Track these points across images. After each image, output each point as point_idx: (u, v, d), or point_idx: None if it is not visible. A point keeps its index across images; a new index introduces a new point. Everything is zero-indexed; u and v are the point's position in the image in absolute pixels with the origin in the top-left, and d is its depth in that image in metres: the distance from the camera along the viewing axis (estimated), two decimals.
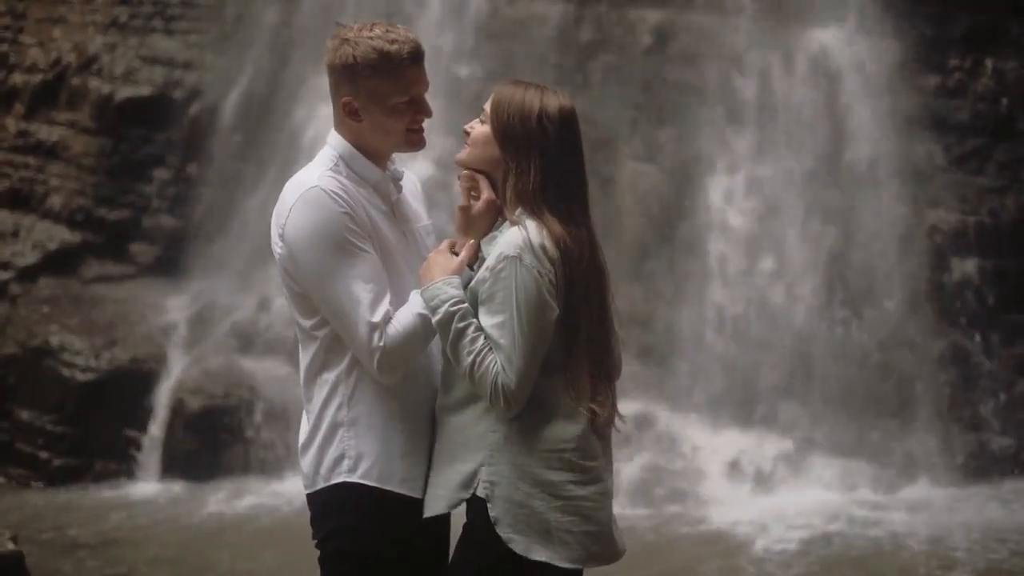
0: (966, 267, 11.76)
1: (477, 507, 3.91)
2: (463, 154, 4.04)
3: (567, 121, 3.95)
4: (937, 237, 11.79)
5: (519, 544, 3.88)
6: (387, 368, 3.94)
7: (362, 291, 3.91)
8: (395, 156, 4.17)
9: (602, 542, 3.97)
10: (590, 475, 3.92)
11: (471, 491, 3.89)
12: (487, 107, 3.99)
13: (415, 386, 4.04)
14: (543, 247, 3.85)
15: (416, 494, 4.01)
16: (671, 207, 12.05)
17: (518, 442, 3.88)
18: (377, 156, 4.09)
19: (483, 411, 3.91)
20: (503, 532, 3.87)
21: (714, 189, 11.99)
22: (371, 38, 3.96)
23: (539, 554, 3.88)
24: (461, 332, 3.86)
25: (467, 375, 3.87)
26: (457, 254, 3.98)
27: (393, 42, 3.96)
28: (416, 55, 4.00)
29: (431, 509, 3.98)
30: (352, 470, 3.99)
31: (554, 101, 3.95)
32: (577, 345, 3.90)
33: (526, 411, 3.88)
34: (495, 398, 3.84)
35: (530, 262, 3.83)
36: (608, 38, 12.40)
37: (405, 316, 3.95)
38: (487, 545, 3.89)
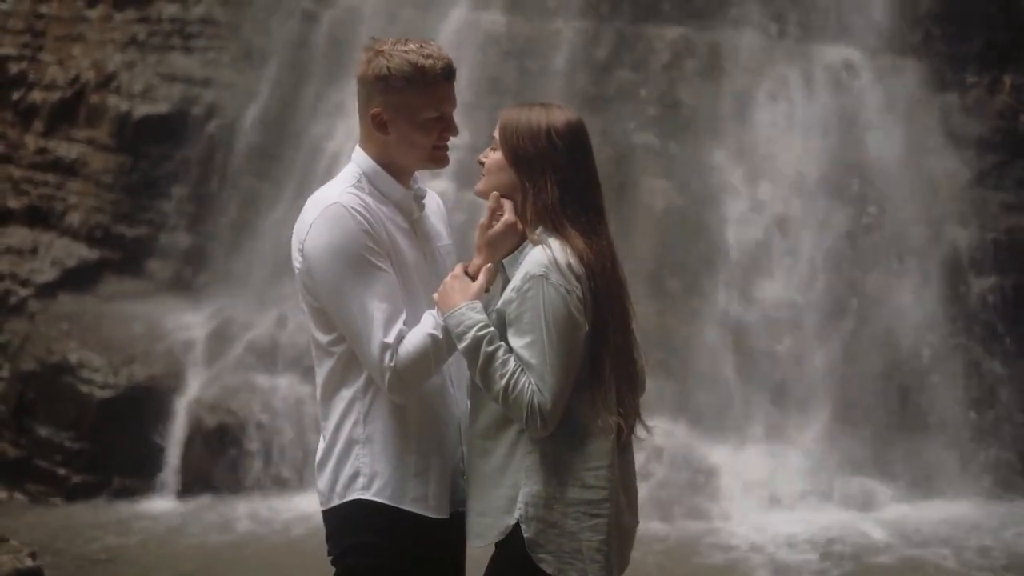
0: (984, 284, 11.73)
1: (511, 527, 3.92)
2: (480, 184, 4.05)
3: (576, 133, 3.97)
4: (955, 254, 11.77)
5: (551, 565, 3.89)
6: (398, 388, 3.94)
7: (377, 310, 3.92)
8: (417, 175, 4.18)
9: (626, 554, 4.01)
10: (618, 490, 3.94)
11: (516, 516, 3.90)
12: (496, 134, 4.01)
13: (430, 405, 4.05)
14: (569, 265, 3.86)
15: (428, 513, 4.02)
16: (688, 223, 12.05)
17: (553, 463, 3.89)
18: (401, 172, 4.10)
19: (516, 434, 3.91)
20: (535, 553, 3.88)
21: (731, 205, 11.98)
22: (406, 52, 4.00)
23: (571, 574, 3.88)
24: (491, 356, 3.85)
25: (499, 399, 3.86)
26: (470, 275, 3.98)
27: (428, 57, 4.00)
28: (448, 72, 4.04)
29: (479, 539, 3.98)
30: (367, 487, 4.01)
31: (560, 116, 3.97)
32: (604, 360, 3.90)
33: (558, 431, 3.88)
34: (531, 419, 3.83)
35: (557, 280, 3.84)
36: (625, 55, 12.41)
37: (417, 336, 3.95)
38: (519, 565, 3.90)
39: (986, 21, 12.01)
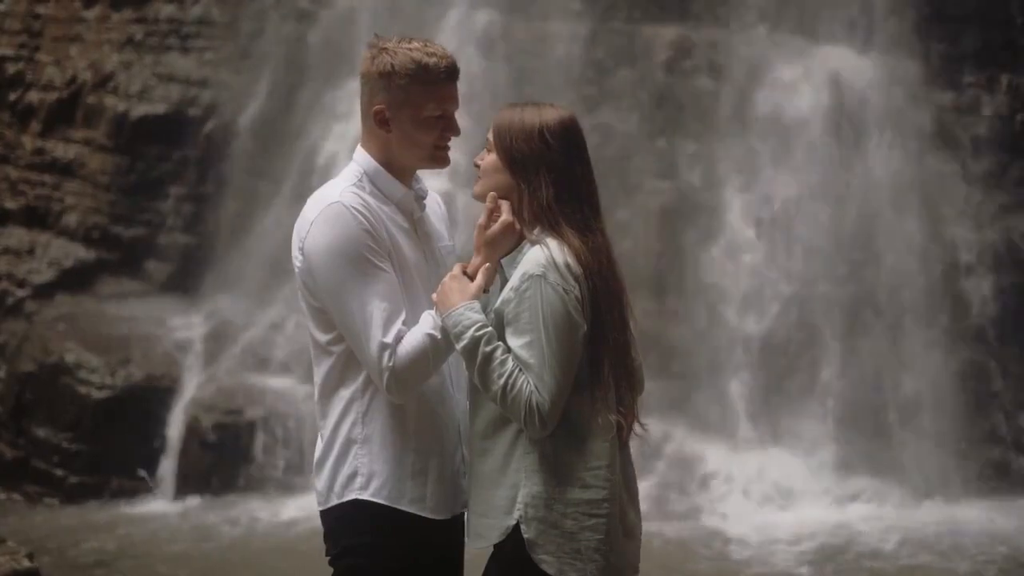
0: (982, 284, 11.73)
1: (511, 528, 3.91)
2: (477, 186, 4.05)
3: (569, 131, 3.96)
4: (953, 254, 11.77)
5: (552, 565, 3.87)
6: (396, 388, 3.93)
7: (376, 309, 3.91)
8: (418, 174, 4.18)
9: (629, 555, 3.99)
10: (618, 490, 3.92)
11: (515, 516, 3.88)
12: (490, 136, 4.00)
13: (429, 405, 4.04)
14: (567, 264, 3.85)
15: (426, 513, 4.01)
16: (687, 223, 12.05)
17: (552, 463, 3.88)
18: (402, 171, 4.10)
19: (515, 434, 3.90)
20: (535, 554, 3.87)
21: (730, 205, 11.98)
22: (410, 49, 4.01)
23: (571, 574, 3.87)
24: (489, 356, 3.84)
25: (497, 399, 3.85)
26: (469, 275, 3.97)
27: (432, 55, 4.01)
28: (452, 72, 4.04)
29: (481, 539, 3.97)
30: (364, 487, 3.99)
31: (553, 114, 3.97)
32: (603, 358, 3.89)
33: (557, 431, 3.86)
34: (529, 419, 3.82)
35: (555, 280, 3.83)
36: (624, 54, 12.41)
37: (415, 337, 3.93)
38: (519, 566, 3.89)
39: (983, 21, 12.01)
